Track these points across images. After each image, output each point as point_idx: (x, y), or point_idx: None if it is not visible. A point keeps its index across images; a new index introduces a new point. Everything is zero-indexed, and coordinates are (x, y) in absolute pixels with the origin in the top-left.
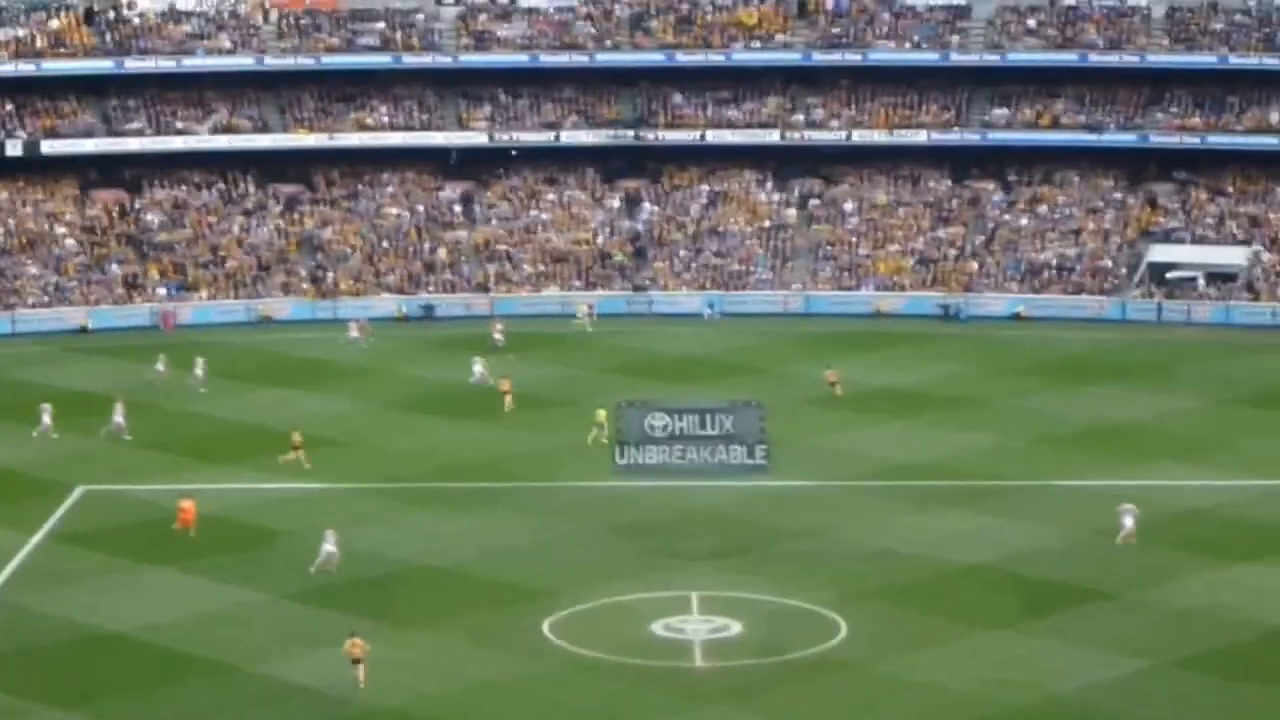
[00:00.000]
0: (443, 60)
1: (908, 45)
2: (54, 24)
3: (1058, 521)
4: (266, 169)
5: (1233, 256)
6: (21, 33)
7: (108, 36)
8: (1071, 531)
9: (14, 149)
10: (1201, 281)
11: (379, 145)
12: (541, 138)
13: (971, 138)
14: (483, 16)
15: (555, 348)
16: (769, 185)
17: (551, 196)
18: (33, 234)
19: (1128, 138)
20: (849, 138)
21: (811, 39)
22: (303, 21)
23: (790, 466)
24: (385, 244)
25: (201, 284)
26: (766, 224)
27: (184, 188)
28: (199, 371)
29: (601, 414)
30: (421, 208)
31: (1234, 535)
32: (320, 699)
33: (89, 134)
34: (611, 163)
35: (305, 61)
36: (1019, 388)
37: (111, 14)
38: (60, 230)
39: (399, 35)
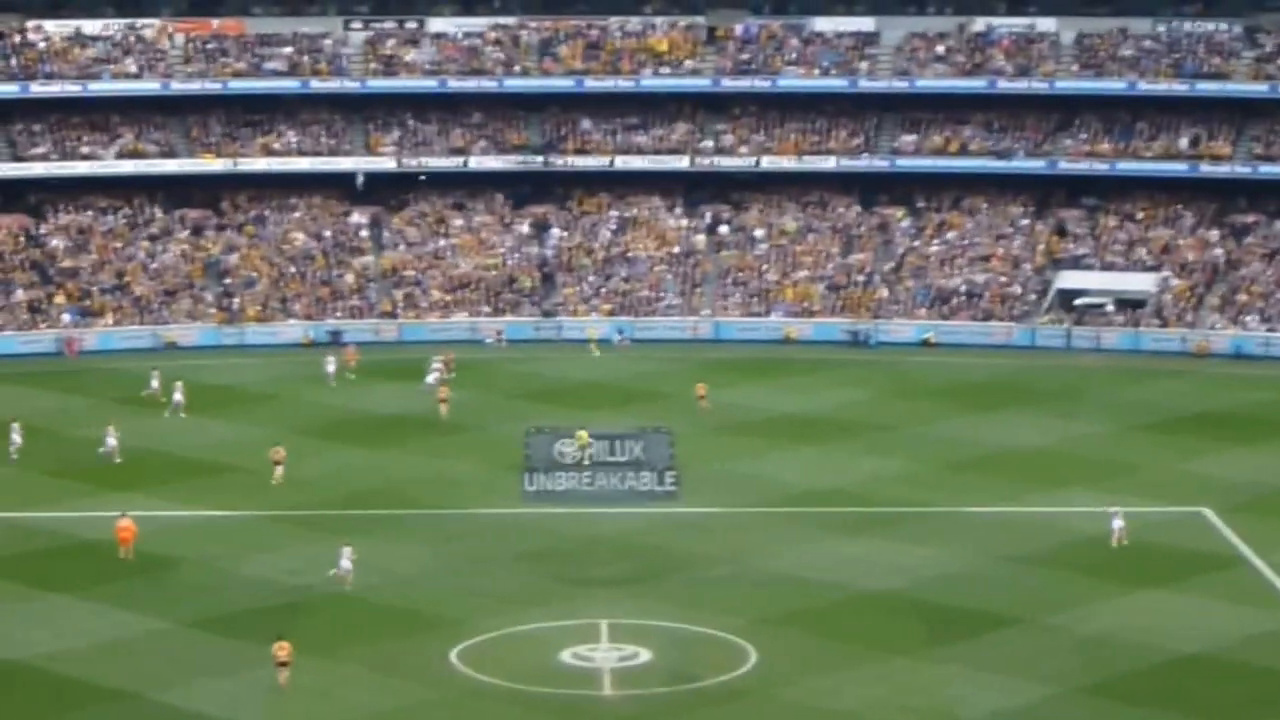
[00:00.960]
0: (350, 85)
1: (816, 72)
2: None
3: (966, 547)
4: (173, 194)
5: (1142, 283)
6: None
7: (12, 60)
8: (979, 558)
9: None
10: (1110, 308)
11: (285, 170)
12: (449, 163)
13: (880, 164)
14: (390, 41)
15: (462, 373)
16: (678, 211)
17: (460, 222)
18: None
19: (1036, 164)
20: (758, 164)
21: (721, 65)
22: (209, 46)
23: (700, 493)
24: (292, 269)
25: (106, 309)
26: (675, 250)
27: (89, 212)
28: (178, 396)
29: (583, 434)
30: (328, 233)
31: (1140, 561)
32: None
33: None
34: (520, 188)
35: (211, 86)
36: (928, 413)
37: (17, 38)
38: None
39: (306, 60)
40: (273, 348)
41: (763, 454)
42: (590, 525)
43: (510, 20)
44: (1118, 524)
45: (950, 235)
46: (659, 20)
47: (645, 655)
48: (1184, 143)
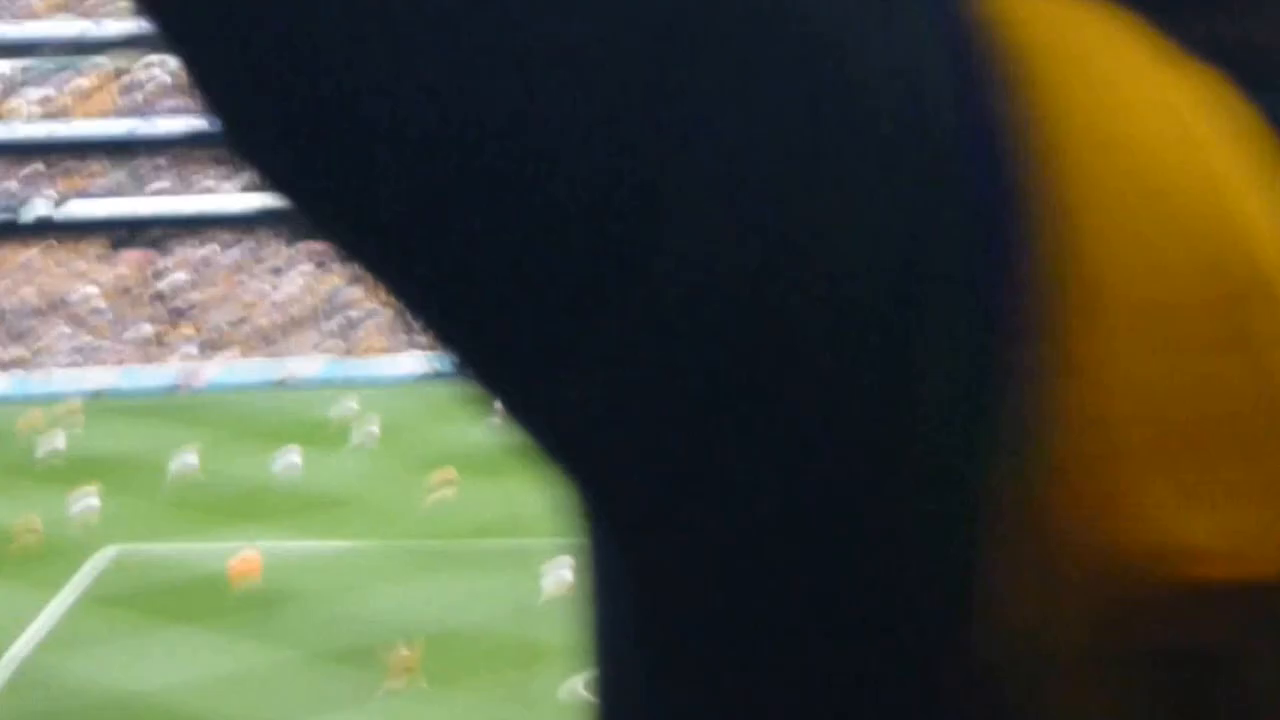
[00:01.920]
0: None
1: None
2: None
3: None
4: (294, 227)
5: None
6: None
7: (137, 95)
8: None
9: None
10: None
11: None
12: None
13: None
14: None
15: None
16: None
17: None
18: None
19: None
20: None
21: None
22: None
23: None
24: None
25: (229, 342)
26: None
27: (213, 245)
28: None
29: None
30: None
31: None
32: None
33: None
34: None
35: None
36: None
37: (141, 74)
38: (90, 289)
39: None
40: (394, 380)
41: None
42: None
43: None
44: None
45: None
46: None
47: None
48: None
